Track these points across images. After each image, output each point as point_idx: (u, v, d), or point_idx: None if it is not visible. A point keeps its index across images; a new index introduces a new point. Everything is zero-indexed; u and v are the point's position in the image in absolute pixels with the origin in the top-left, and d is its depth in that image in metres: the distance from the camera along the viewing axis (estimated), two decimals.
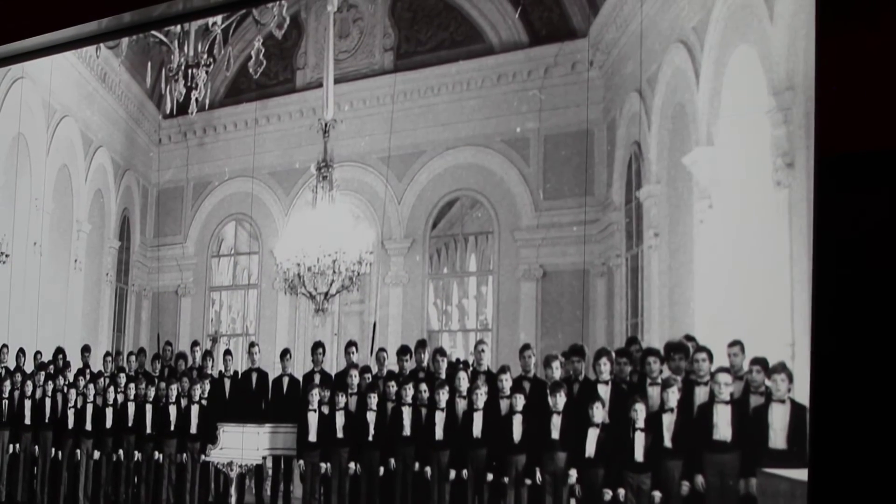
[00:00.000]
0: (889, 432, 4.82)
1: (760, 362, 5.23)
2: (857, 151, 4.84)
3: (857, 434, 4.83)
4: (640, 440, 5.65)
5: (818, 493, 4.72)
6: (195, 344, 7.63)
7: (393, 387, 6.61)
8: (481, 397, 6.26)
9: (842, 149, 4.81)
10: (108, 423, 7.91)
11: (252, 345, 7.35)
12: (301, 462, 6.97)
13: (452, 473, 6.34)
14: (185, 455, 7.53)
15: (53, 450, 8.18)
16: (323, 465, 6.87)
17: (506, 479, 6.15)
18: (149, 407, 7.72)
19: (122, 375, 7.87)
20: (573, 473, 5.91)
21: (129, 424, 7.81)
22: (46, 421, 8.22)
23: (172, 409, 7.61)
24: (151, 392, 7.71)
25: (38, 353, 8.34)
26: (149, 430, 7.70)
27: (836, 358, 4.76)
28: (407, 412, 6.55)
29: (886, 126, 4.78)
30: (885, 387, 4.78)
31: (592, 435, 5.83)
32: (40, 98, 8.42)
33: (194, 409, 7.50)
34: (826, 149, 4.78)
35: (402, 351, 6.63)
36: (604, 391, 5.84)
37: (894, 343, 4.77)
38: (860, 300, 4.86)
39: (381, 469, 6.63)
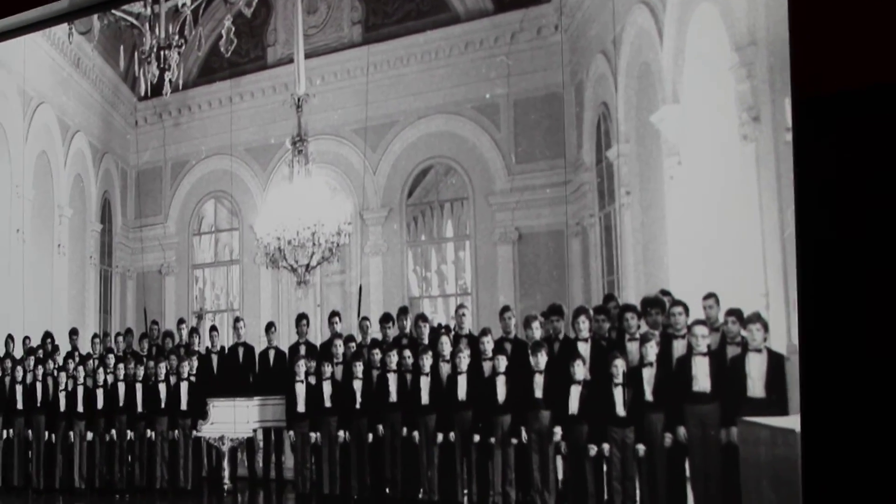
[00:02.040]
0: (876, 374, 4.91)
1: (735, 313, 5.31)
2: (833, 92, 4.90)
3: (845, 377, 4.92)
4: (621, 395, 5.74)
5: (810, 438, 4.78)
6: (181, 322, 7.70)
7: (377, 354, 6.69)
8: (464, 360, 6.34)
9: (817, 91, 4.87)
10: (100, 404, 7.97)
11: (237, 319, 7.42)
12: (291, 433, 7.05)
13: (440, 437, 6.42)
14: (176, 432, 7.61)
15: (47, 433, 8.24)
16: (312, 434, 6.95)
17: (492, 440, 6.24)
18: (139, 386, 7.79)
19: (111, 356, 7.93)
20: (558, 431, 5.99)
21: (121, 404, 7.88)
22: (38, 405, 8.28)
23: (162, 387, 7.68)
24: (140, 371, 7.78)
25: (26, 338, 8.39)
26: (140, 409, 7.77)
27: (821, 297, 4.83)
28: (392, 378, 6.62)
29: (859, 65, 4.84)
30: (871, 326, 4.87)
31: (575, 392, 5.91)
32: (15, 86, 8.44)
33: (184, 386, 7.57)
34: (802, 91, 4.81)
35: (385, 318, 6.70)
36: (584, 349, 5.92)
37: (875, 278, 4.86)
38: (841, 239, 4.93)
39: (370, 436, 6.71)
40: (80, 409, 8.05)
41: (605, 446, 5.81)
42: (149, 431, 7.72)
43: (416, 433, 6.53)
